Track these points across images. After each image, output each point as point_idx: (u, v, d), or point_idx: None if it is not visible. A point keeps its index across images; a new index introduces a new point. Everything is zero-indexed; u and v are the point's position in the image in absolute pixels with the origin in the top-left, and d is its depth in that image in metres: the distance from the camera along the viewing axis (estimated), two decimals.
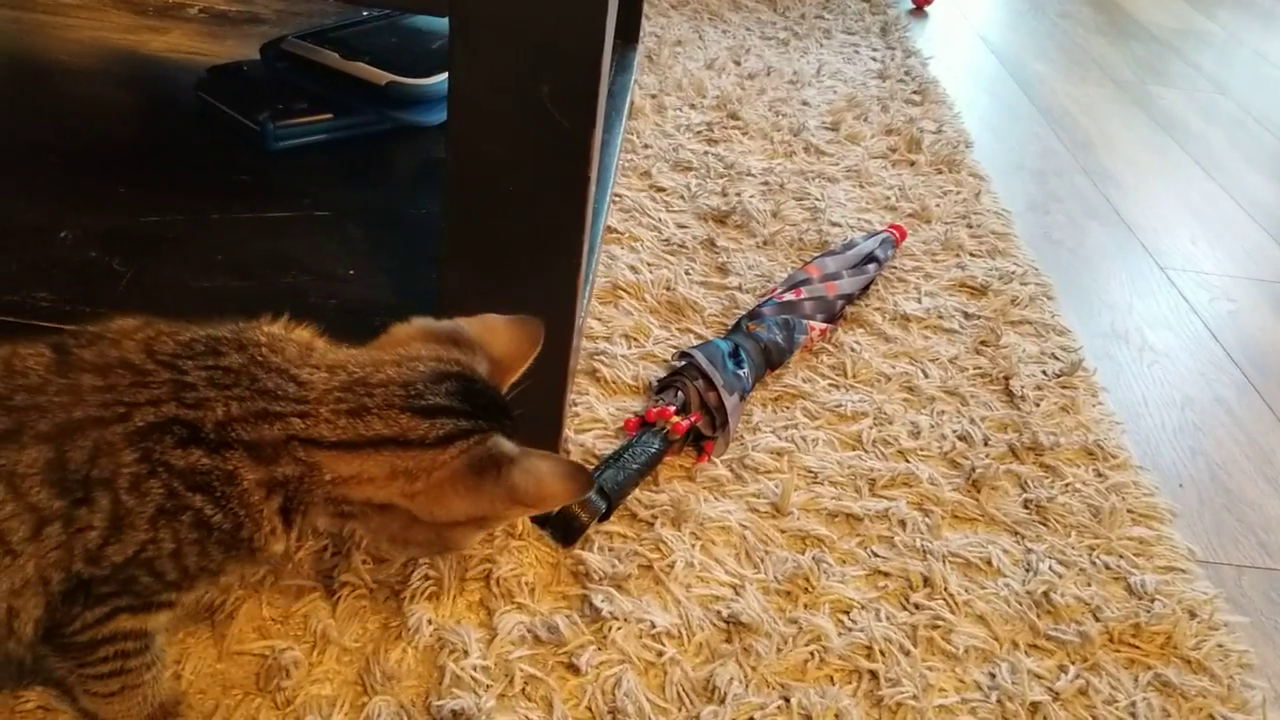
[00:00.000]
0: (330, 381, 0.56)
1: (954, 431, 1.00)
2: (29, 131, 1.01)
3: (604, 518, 0.83)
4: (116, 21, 1.31)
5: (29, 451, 0.51)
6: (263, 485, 0.54)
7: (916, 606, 0.80)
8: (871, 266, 1.18)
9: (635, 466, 0.86)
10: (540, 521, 0.82)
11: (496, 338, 0.64)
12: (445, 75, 1.07)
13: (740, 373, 0.96)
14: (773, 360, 1.02)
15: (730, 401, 0.93)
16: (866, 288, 1.19)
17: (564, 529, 0.81)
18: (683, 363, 0.97)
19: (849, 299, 1.14)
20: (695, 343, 1.04)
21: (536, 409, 0.78)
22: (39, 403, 0.52)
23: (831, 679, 0.74)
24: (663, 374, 1.00)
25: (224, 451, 0.53)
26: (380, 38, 1.15)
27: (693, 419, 0.91)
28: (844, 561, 0.84)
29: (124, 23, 1.31)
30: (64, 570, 0.53)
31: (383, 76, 1.06)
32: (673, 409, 0.90)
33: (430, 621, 0.72)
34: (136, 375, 0.54)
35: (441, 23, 1.20)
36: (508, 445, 0.60)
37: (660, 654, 0.73)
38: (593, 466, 0.86)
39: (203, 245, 0.86)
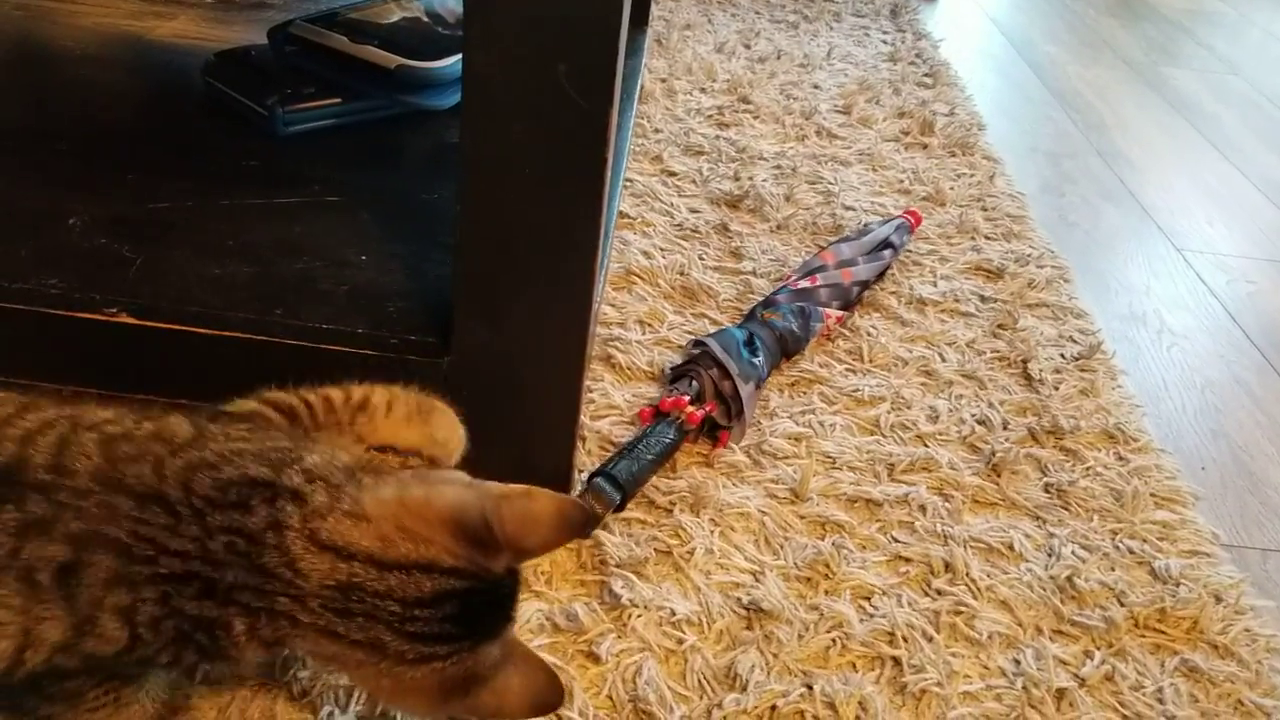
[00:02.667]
0: (329, 576, 0.53)
1: (973, 415, 0.98)
2: (36, 119, 1.00)
3: (619, 509, 0.82)
4: (122, 8, 1.29)
5: (52, 547, 0.52)
6: (248, 632, 0.54)
7: (939, 592, 0.79)
8: (887, 252, 1.17)
9: (650, 457, 0.84)
10: None
11: (534, 530, 0.58)
12: (455, 59, 1.07)
13: (755, 361, 0.95)
14: (788, 349, 1.01)
15: (746, 390, 0.91)
16: (882, 274, 1.17)
17: None
18: (697, 351, 0.96)
19: (865, 285, 1.13)
20: (710, 330, 1.03)
21: (554, 396, 0.78)
22: (78, 505, 0.53)
23: (854, 666, 0.73)
24: (677, 361, 0.99)
25: (227, 606, 0.53)
26: (389, 21, 1.13)
27: (708, 408, 0.90)
28: (864, 547, 0.83)
29: (130, 9, 1.29)
30: (48, 662, 0.53)
31: (392, 60, 1.05)
32: (687, 398, 0.89)
33: None
34: (169, 518, 0.53)
35: (451, 7, 1.19)
36: (490, 657, 0.57)
37: (681, 641, 0.72)
38: (607, 456, 0.85)
39: (212, 231, 0.85)
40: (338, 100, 1.05)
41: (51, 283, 0.76)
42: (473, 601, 0.56)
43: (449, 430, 0.69)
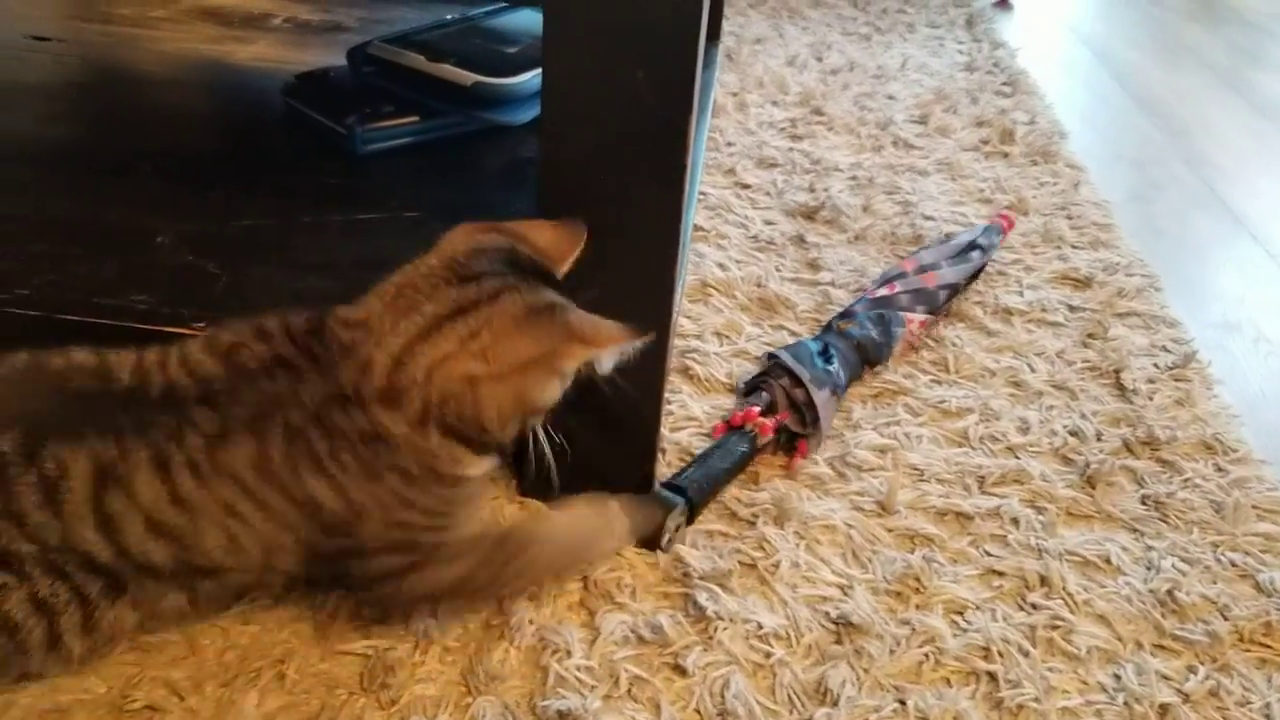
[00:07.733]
0: (380, 305, 0.62)
1: (1065, 427, 0.96)
2: (123, 140, 1.03)
3: (690, 521, 0.80)
4: (203, 33, 1.32)
5: (243, 448, 0.58)
6: (412, 424, 0.59)
7: (1034, 606, 0.77)
8: (975, 254, 1.14)
9: (722, 468, 0.83)
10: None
11: (540, 234, 0.67)
12: (530, 74, 1.07)
13: (830, 368, 0.93)
14: (869, 356, 0.99)
15: (820, 396, 0.89)
16: (975, 276, 1.14)
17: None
18: (770, 363, 0.94)
19: (954, 289, 1.10)
20: (788, 342, 1.02)
21: (634, 408, 0.77)
22: (229, 402, 0.59)
23: (948, 681, 0.71)
24: (754, 373, 0.97)
25: (368, 409, 0.59)
26: (465, 39, 1.14)
27: (779, 418, 0.88)
28: (955, 561, 0.80)
29: (210, 34, 1.32)
30: (301, 542, 0.60)
31: (468, 77, 1.06)
32: (757, 409, 0.88)
33: (531, 621, 0.71)
34: (290, 366, 0.60)
35: (525, 24, 1.20)
36: (557, 296, 0.64)
37: (769, 655, 0.71)
38: (679, 469, 0.83)
39: (295, 247, 0.86)
40: (415, 118, 1.06)
41: (140, 299, 0.77)
42: (511, 258, 0.64)
43: None
